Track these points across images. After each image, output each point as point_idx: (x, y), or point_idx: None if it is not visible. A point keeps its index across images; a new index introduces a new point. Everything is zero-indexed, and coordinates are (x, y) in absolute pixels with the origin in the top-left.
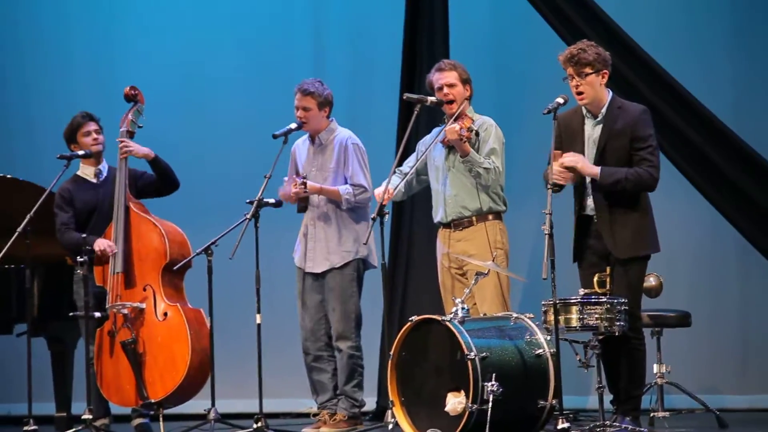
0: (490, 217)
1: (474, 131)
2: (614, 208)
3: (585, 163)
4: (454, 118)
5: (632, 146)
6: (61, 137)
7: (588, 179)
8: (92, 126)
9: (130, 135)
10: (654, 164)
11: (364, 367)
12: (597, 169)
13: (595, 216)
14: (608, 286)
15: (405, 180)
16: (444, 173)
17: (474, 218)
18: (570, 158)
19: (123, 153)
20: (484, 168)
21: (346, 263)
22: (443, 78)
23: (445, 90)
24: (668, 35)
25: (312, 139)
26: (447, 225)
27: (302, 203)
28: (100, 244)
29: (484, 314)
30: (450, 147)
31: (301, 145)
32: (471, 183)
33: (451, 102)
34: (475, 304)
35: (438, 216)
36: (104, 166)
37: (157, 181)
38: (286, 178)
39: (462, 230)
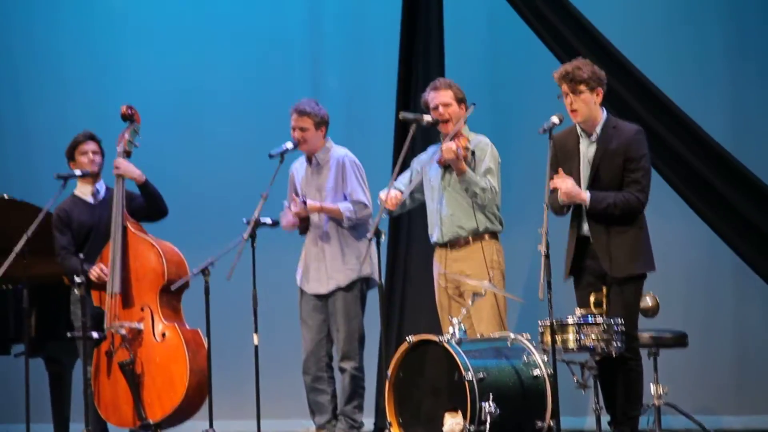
0: (487, 236)
1: (470, 150)
2: (610, 228)
3: (574, 194)
4: (449, 137)
5: (625, 167)
6: (57, 157)
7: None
8: (90, 146)
9: (127, 154)
10: (643, 188)
11: (365, 389)
12: (586, 195)
13: (591, 236)
14: (604, 307)
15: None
16: (440, 193)
17: (470, 238)
18: (562, 186)
19: (115, 172)
20: (481, 188)
21: (351, 282)
22: (438, 97)
23: (440, 109)
24: (665, 50)
25: (309, 159)
26: (443, 245)
27: (303, 224)
28: (94, 272)
29: (481, 335)
30: (446, 166)
31: (298, 166)
32: (467, 202)
33: (446, 121)
34: (472, 324)
35: (434, 236)
36: (101, 186)
37: (146, 207)
38: (285, 202)
39: (458, 250)
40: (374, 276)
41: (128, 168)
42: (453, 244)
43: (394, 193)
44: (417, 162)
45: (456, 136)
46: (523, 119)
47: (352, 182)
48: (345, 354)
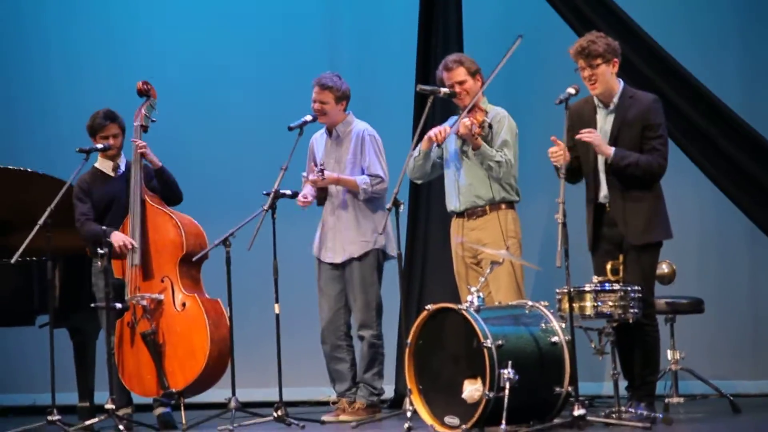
0: (503, 206)
1: (487, 124)
2: (627, 195)
3: (601, 141)
4: (467, 110)
5: (643, 135)
6: (77, 130)
7: (601, 166)
8: (111, 130)
9: (144, 129)
10: (663, 154)
11: (385, 356)
12: (611, 150)
13: (608, 203)
14: (621, 274)
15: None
16: (458, 163)
17: (487, 207)
18: (587, 135)
19: (138, 150)
20: (496, 161)
21: (365, 253)
22: (451, 77)
23: (456, 88)
24: (679, 20)
25: (329, 131)
26: (460, 214)
27: (321, 195)
28: (118, 239)
29: (500, 302)
30: (464, 138)
31: (318, 138)
32: (484, 173)
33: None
34: (490, 292)
35: (451, 205)
36: (122, 161)
37: (161, 194)
38: (303, 174)
39: (475, 219)
40: (389, 248)
41: (149, 152)
42: (470, 213)
43: (443, 127)
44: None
45: (472, 109)
46: (539, 90)
47: (370, 155)
48: (363, 323)
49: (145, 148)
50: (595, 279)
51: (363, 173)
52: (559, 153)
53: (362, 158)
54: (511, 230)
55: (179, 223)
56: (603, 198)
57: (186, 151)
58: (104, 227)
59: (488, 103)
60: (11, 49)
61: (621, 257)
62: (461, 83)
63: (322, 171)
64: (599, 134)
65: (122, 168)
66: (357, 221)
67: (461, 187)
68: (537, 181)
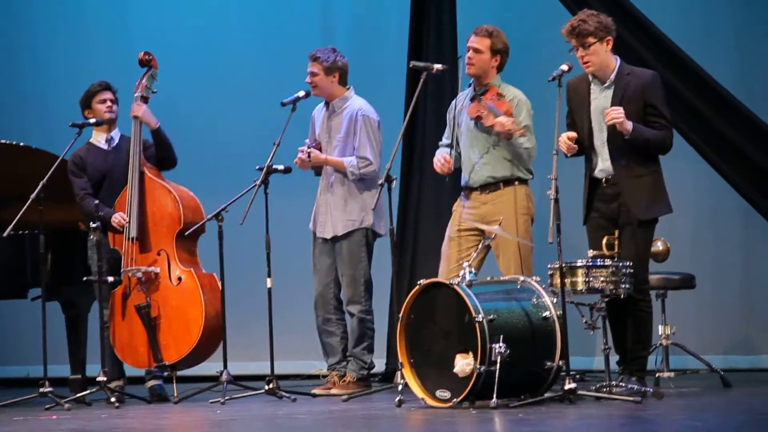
0: (517, 182)
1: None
2: (629, 171)
3: (624, 118)
4: (479, 94)
5: (646, 112)
6: (73, 105)
7: (597, 142)
8: (108, 95)
9: (145, 100)
10: (671, 130)
11: (375, 331)
12: (630, 125)
13: (604, 179)
14: (616, 249)
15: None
16: (470, 140)
17: (501, 183)
18: (615, 113)
19: (132, 114)
20: (525, 148)
21: (350, 231)
22: (473, 42)
23: (470, 53)
24: (664, 3)
25: (327, 105)
26: (475, 189)
27: (318, 167)
28: (116, 218)
29: (491, 278)
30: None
31: (319, 110)
32: (498, 151)
33: (470, 65)
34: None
35: (465, 180)
36: (116, 134)
37: (156, 155)
38: (307, 141)
39: (489, 194)
40: (377, 227)
41: (146, 113)
42: (483, 187)
43: (443, 159)
44: (450, 113)
45: (485, 93)
46: (533, 68)
47: (361, 137)
48: (351, 298)
49: (139, 113)
50: (590, 253)
51: (354, 153)
52: (571, 146)
53: (354, 138)
54: (524, 206)
55: (177, 197)
56: (599, 173)
57: (181, 125)
58: (96, 202)
59: (503, 82)
60: (4, 24)
61: (616, 232)
62: (476, 51)
63: (309, 154)
64: (621, 110)
65: (116, 140)
66: (345, 201)
67: (475, 165)
68: None
